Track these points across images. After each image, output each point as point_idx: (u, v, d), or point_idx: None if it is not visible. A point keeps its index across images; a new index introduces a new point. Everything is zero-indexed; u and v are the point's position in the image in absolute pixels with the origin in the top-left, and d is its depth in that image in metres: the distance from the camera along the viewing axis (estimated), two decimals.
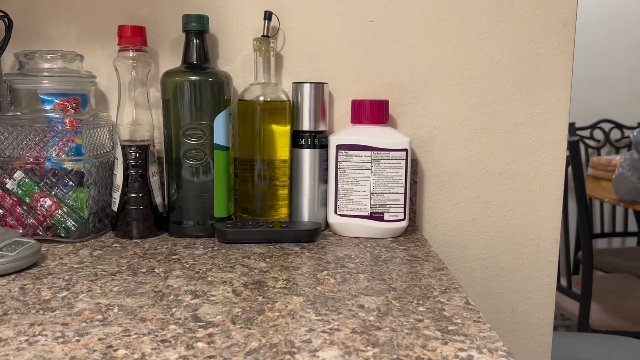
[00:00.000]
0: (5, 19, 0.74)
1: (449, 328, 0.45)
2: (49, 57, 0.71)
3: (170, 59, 0.80)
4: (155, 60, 0.80)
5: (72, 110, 0.71)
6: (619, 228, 2.44)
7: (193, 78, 0.70)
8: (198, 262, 0.62)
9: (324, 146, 0.76)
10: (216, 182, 0.72)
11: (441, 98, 0.81)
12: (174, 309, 0.49)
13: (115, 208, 0.72)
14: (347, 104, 0.80)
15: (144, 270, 0.59)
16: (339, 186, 0.74)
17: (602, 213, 2.35)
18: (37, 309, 0.48)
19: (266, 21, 0.76)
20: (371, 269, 0.61)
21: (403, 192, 0.73)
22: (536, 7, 0.79)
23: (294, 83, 0.77)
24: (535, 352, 0.87)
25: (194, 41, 0.72)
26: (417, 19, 0.79)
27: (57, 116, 0.69)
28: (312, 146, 0.75)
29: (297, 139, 0.76)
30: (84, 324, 0.45)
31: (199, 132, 0.71)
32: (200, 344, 0.42)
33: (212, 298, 0.51)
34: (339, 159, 0.73)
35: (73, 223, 0.70)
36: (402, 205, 0.73)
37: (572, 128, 2.45)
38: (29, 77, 0.70)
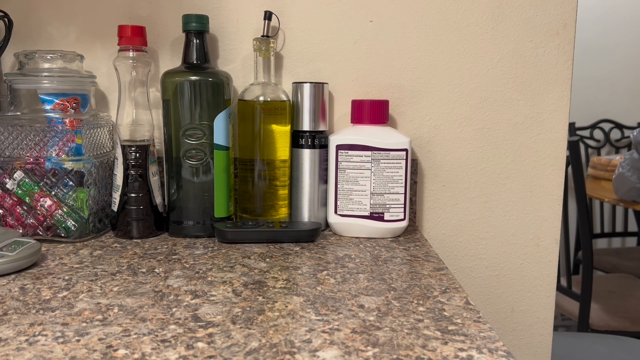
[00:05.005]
0: (5, 19, 0.74)
1: (449, 328, 0.45)
2: (49, 57, 0.71)
3: (170, 59, 0.80)
4: (155, 60, 0.80)
5: (72, 110, 0.71)
6: (619, 228, 2.44)
7: (193, 78, 0.70)
8: (198, 262, 0.62)
9: (324, 146, 0.76)
10: (216, 182, 0.72)
11: (441, 98, 0.81)
12: (174, 309, 0.49)
13: (115, 208, 0.72)
14: (347, 104, 0.81)
15: (144, 270, 0.59)
16: (339, 186, 0.74)
17: (602, 213, 2.35)
18: (37, 309, 0.48)
19: (266, 21, 0.76)
20: (371, 269, 0.61)
21: (403, 192, 0.73)
22: (536, 7, 0.79)
23: (294, 83, 0.77)
24: (535, 352, 0.87)
25: (194, 41, 0.72)
26: (417, 19, 0.79)
27: (57, 116, 0.69)
28: (312, 146, 0.75)
29: (297, 139, 0.76)
30: (84, 324, 0.45)
31: (199, 132, 0.71)
32: (200, 344, 0.42)
33: (212, 298, 0.51)
34: (339, 159, 0.73)
35: (73, 223, 0.70)
36: (402, 205, 0.73)
37: (572, 128, 2.45)
38: (29, 77, 0.70)
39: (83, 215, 0.70)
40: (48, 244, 0.69)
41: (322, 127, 0.76)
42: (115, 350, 0.41)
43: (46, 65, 0.71)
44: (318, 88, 0.75)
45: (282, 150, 0.76)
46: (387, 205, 0.73)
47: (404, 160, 0.73)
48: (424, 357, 0.40)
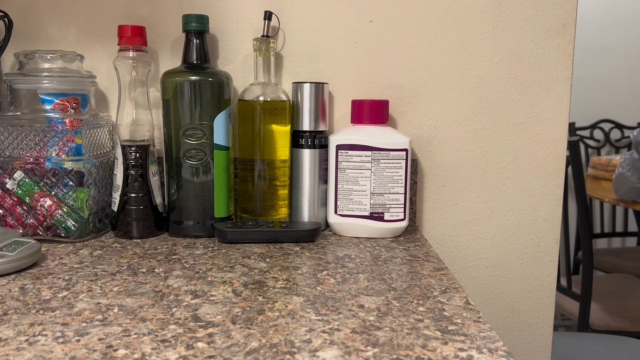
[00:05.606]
0: (5, 19, 0.74)
1: (449, 328, 0.45)
2: (49, 57, 0.71)
3: (170, 59, 0.80)
4: (155, 60, 0.80)
5: (72, 110, 0.71)
6: (619, 228, 2.44)
7: (193, 78, 0.70)
8: (198, 262, 0.62)
9: (324, 146, 0.76)
10: (216, 182, 0.72)
11: (441, 98, 0.81)
12: (174, 309, 0.49)
13: (115, 208, 0.72)
14: (347, 104, 0.81)
15: (144, 270, 0.59)
16: (339, 186, 0.74)
17: (602, 213, 2.35)
18: (37, 309, 0.48)
19: (266, 21, 0.76)
20: (371, 269, 0.61)
21: (403, 192, 0.73)
22: (536, 7, 0.79)
23: (294, 83, 0.77)
24: (535, 352, 0.87)
25: (194, 41, 0.72)
26: (417, 19, 0.79)
27: (57, 116, 0.69)
28: (312, 146, 0.75)
29: (297, 139, 0.76)
30: (84, 324, 0.45)
31: (199, 132, 0.71)
32: (200, 344, 0.42)
33: (212, 298, 0.51)
34: (339, 159, 0.73)
35: (73, 223, 0.70)
36: (402, 205, 0.73)
37: (572, 128, 2.45)
38: (29, 77, 0.70)
39: (83, 215, 0.70)
40: (48, 244, 0.69)
41: (322, 127, 0.76)
42: (115, 350, 0.41)
43: (46, 65, 0.71)
44: (318, 88, 0.75)
45: (282, 150, 0.76)
46: (387, 205, 0.73)
47: (404, 160, 0.73)
48: (424, 357, 0.40)
